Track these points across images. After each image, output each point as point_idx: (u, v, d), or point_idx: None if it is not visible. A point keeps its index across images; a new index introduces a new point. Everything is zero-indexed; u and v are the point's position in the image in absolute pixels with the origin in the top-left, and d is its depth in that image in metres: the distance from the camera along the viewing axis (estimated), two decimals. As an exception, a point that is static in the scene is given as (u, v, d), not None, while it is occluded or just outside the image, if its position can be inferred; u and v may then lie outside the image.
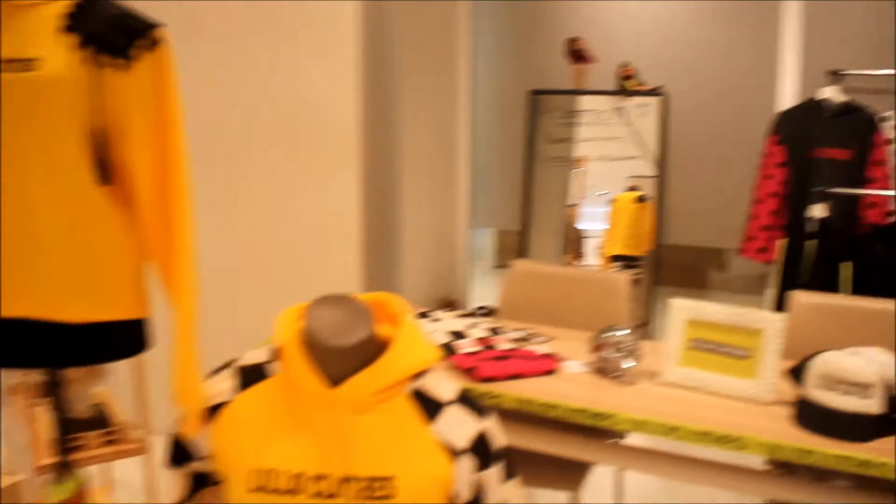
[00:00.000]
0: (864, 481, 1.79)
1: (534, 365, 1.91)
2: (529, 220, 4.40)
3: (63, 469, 1.52)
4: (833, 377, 1.68)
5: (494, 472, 1.28)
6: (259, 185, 2.92)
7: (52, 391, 1.49)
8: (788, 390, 1.89)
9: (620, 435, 2.38)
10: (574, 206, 4.60)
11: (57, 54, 1.28)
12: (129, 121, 1.36)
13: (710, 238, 3.94)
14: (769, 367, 1.80)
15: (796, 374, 1.80)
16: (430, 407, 1.25)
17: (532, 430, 1.88)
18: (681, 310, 1.90)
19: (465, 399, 1.29)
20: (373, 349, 1.24)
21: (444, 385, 1.30)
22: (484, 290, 6.45)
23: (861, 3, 3.55)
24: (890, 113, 3.48)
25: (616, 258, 4.82)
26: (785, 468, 2.07)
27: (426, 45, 3.25)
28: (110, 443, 2.14)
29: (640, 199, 4.93)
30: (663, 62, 3.89)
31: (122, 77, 1.34)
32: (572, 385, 1.86)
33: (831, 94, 3.47)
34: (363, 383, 1.20)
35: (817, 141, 3.49)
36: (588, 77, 4.02)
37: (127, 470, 3.13)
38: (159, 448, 3.14)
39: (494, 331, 2.19)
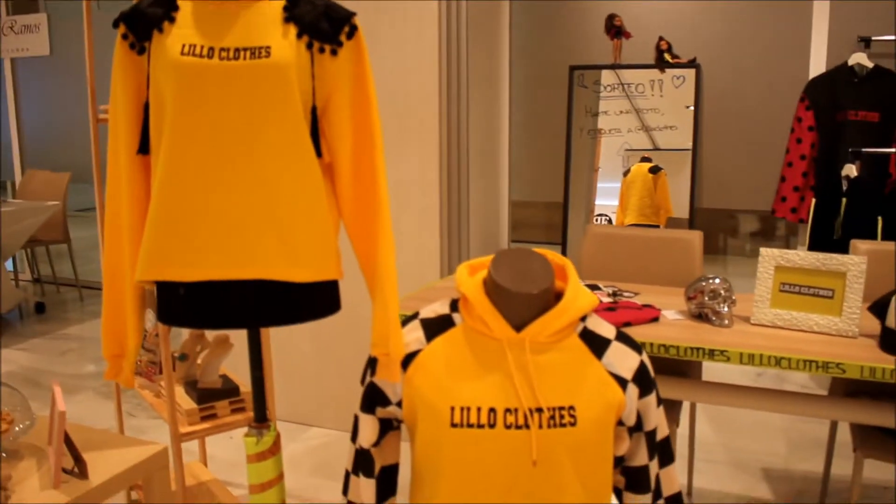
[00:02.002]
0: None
1: (641, 314, 2.11)
2: (569, 193, 4.57)
3: (261, 422, 1.66)
4: (914, 308, 1.89)
5: (652, 399, 1.46)
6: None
7: (255, 348, 1.63)
8: (869, 324, 2.11)
9: (698, 375, 2.60)
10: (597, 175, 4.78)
11: (283, 43, 1.43)
12: (334, 100, 1.52)
13: (744, 201, 4.14)
14: (853, 304, 2.01)
15: (875, 309, 2.01)
16: (597, 344, 1.41)
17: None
18: (770, 257, 2.10)
19: (623, 336, 1.47)
20: (549, 296, 1.41)
21: (604, 325, 1.47)
22: None
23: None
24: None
25: (631, 227, 5.00)
26: (845, 393, 2.30)
27: (475, 30, 3.41)
28: (238, 411, 2.30)
29: (653, 170, 5.12)
30: (696, 34, 4.06)
31: (332, 61, 1.50)
32: (677, 329, 2.06)
33: (860, 59, 3.67)
34: (546, 325, 1.37)
35: (847, 104, 3.70)
36: (623, 51, 4.19)
37: (218, 446, 3.31)
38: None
39: (592, 287, 2.39)
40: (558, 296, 1.46)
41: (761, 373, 4.03)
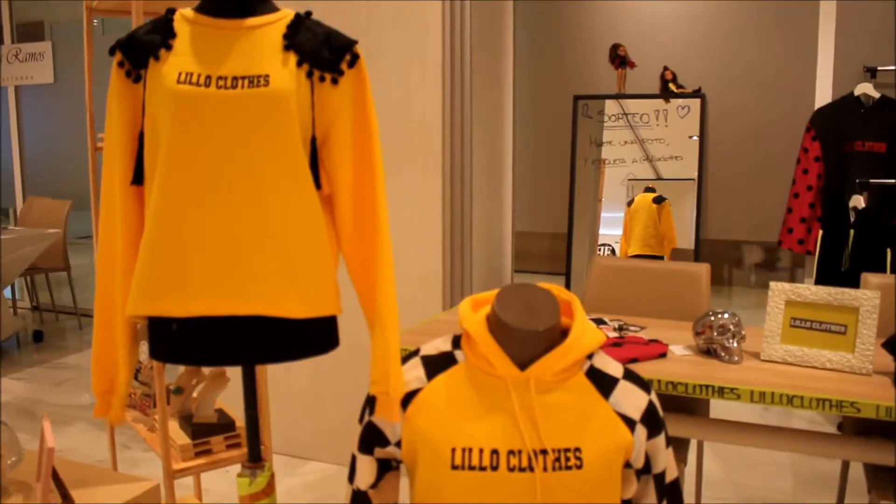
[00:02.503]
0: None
1: (648, 349, 2.05)
2: (573, 223, 4.53)
3: (255, 462, 1.61)
4: (930, 345, 1.83)
5: (661, 440, 1.41)
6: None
7: (250, 385, 1.58)
8: (883, 361, 2.05)
9: (705, 412, 2.54)
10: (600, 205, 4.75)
11: (282, 71, 1.39)
12: (335, 130, 1.48)
13: (750, 232, 4.10)
14: (866, 340, 1.95)
15: (889, 346, 1.95)
16: (604, 383, 1.37)
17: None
18: (780, 292, 2.05)
19: (632, 374, 1.42)
20: (555, 333, 1.37)
21: (611, 363, 1.43)
22: None
23: (892, 1, 3.72)
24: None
25: (636, 258, 4.96)
26: (856, 432, 2.24)
27: (478, 55, 3.39)
28: (234, 446, 2.24)
29: (657, 200, 5.09)
30: (701, 63, 4.05)
31: (332, 90, 1.46)
32: (685, 365, 2.01)
33: (867, 89, 3.65)
34: (552, 363, 1.32)
35: (854, 135, 3.68)
36: (627, 81, 4.18)
37: (213, 480, 3.25)
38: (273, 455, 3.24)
39: (598, 322, 2.34)
40: (564, 332, 1.42)
41: (768, 407, 3.96)
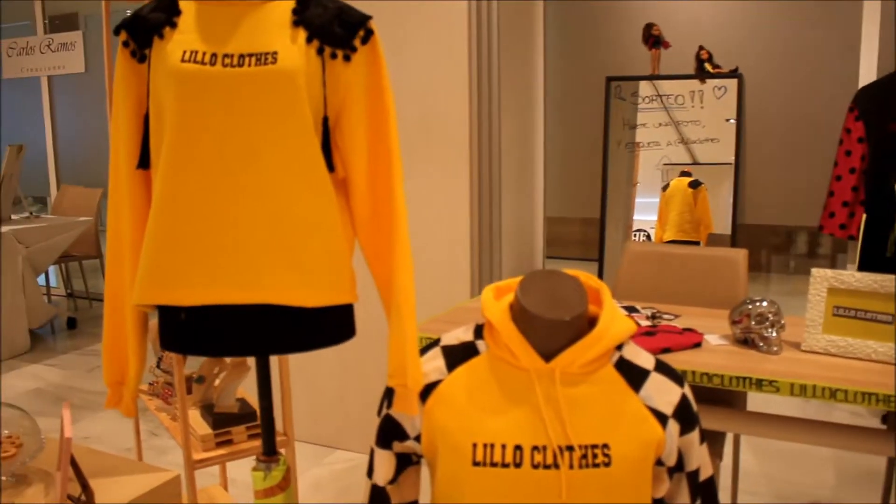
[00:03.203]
0: None
1: (681, 339, 1.97)
2: (606, 208, 4.43)
3: (270, 455, 1.56)
4: None
5: (695, 436, 1.33)
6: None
7: (264, 376, 1.53)
8: (933, 352, 1.94)
9: (742, 405, 2.44)
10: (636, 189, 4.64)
11: (291, 48, 1.33)
12: (348, 109, 1.41)
13: (789, 217, 3.96)
14: (915, 330, 1.85)
15: (940, 336, 1.85)
16: (634, 375, 1.29)
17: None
18: (822, 279, 1.95)
19: (664, 367, 1.34)
20: (582, 323, 1.29)
21: (642, 355, 1.35)
22: None
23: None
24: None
25: (671, 244, 4.84)
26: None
27: (508, 38, 3.31)
28: (256, 436, 2.20)
29: (693, 185, 4.96)
30: (738, 42, 3.92)
31: (345, 68, 1.39)
32: (721, 356, 1.92)
33: (914, 66, 3.50)
34: (578, 354, 1.25)
35: (900, 115, 3.51)
36: (662, 61, 4.06)
37: (239, 470, 3.23)
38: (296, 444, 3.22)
39: (629, 310, 2.25)
40: (592, 322, 1.35)
41: (808, 400, 3.84)
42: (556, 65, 4.39)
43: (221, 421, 2.11)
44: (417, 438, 1.31)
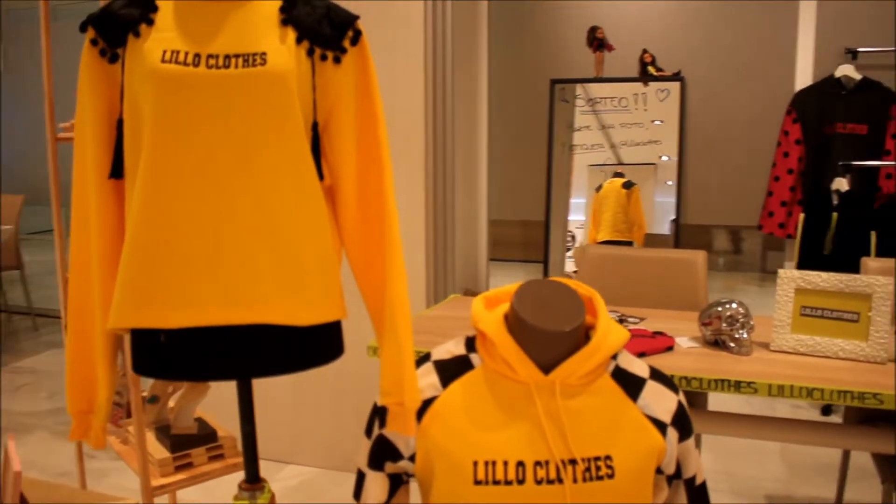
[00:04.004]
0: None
1: (654, 343, 1.96)
2: (550, 209, 4.44)
3: (253, 482, 1.48)
4: (948, 332, 1.77)
5: (692, 443, 1.33)
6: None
7: (246, 399, 1.44)
8: (897, 349, 1.99)
9: (704, 405, 2.46)
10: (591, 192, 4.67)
11: (280, 48, 1.25)
12: (337, 114, 1.34)
13: (729, 217, 4.05)
14: (880, 328, 1.88)
15: (902, 333, 1.89)
16: (631, 384, 1.27)
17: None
18: (789, 280, 1.98)
19: (658, 374, 1.33)
20: (580, 333, 1.26)
21: (636, 362, 1.33)
22: (508, 283, 6.47)
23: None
24: (903, 87, 3.65)
25: (605, 244, 4.90)
26: (858, 420, 2.18)
27: (456, 40, 3.28)
28: (216, 458, 2.10)
29: (627, 186, 5.02)
30: (681, 46, 3.98)
31: (335, 70, 1.32)
32: (695, 359, 1.92)
33: (848, 71, 3.61)
34: (578, 365, 1.22)
35: (835, 117, 3.64)
36: (606, 65, 4.08)
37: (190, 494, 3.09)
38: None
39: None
40: (586, 331, 1.32)
41: (751, 397, 3.92)
42: (501, 69, 4.37)
43: (180, 443, 2.00)
44: (412, 458, 1.26)
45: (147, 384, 2.31)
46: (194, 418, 2.11)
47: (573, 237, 4.82)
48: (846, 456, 2.47)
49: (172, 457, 1.98)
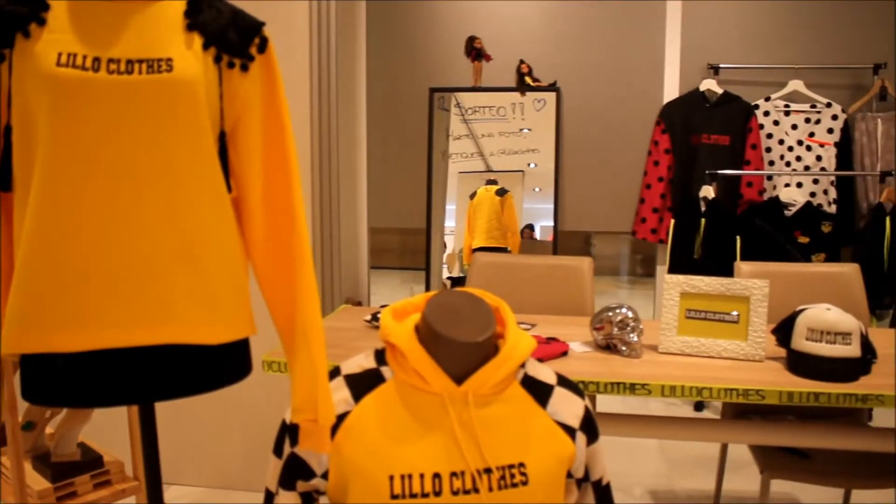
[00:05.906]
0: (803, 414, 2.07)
1: (550, 348, 1.99)
2: (432, 218, 4.46)
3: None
4: (818, 329, 1.90)
5: (599, 446, 1.36)
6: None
7: (148, 424, 1.35)
8: (773, 347, 2.12)
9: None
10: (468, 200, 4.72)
11: (187, 54, 1.18)
12: (244, 123, 1.28)
13: (604, 223, 4.20)
14: (758, 328, 2.00)
15: (778, 333, 2.01)
16: (539, 391, 1.29)
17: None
18: (675, 284, 2.06)
19: (565, 380, 1.35)
20: (491, 343, 1.27)
21: (542, 369, 1.35)
22: (387, 291, 6.42)
23: (735, 2, 3.92)
24: (760, 101, 3.89)
25: (479, 251, 4.98)
26: (734, 414, 2.31)
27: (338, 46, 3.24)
28: (103, 485, 1.97)
29: (500, 193, 5.13)
30: (556, 58, 4.09)
31: (242, 79, 1.26)
32: (589, 363, 1.97)
33: (711, 85, 3.84)
34: (490, 375, 1.23)
35: (700, 128, 3.85)
36: (486, 74, 4.14)
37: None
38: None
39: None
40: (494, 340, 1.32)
41: (626, 397, 4.07)
42: (380, 77, 4.36)
43: (62, 472, 1.86)
44: (324, 476, 1.23)
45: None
46: (78, 445, 1.98)
47: (444, 244, 4.86)
48: (724, 449, 2.61)
49: (54, 486, 1.83)
